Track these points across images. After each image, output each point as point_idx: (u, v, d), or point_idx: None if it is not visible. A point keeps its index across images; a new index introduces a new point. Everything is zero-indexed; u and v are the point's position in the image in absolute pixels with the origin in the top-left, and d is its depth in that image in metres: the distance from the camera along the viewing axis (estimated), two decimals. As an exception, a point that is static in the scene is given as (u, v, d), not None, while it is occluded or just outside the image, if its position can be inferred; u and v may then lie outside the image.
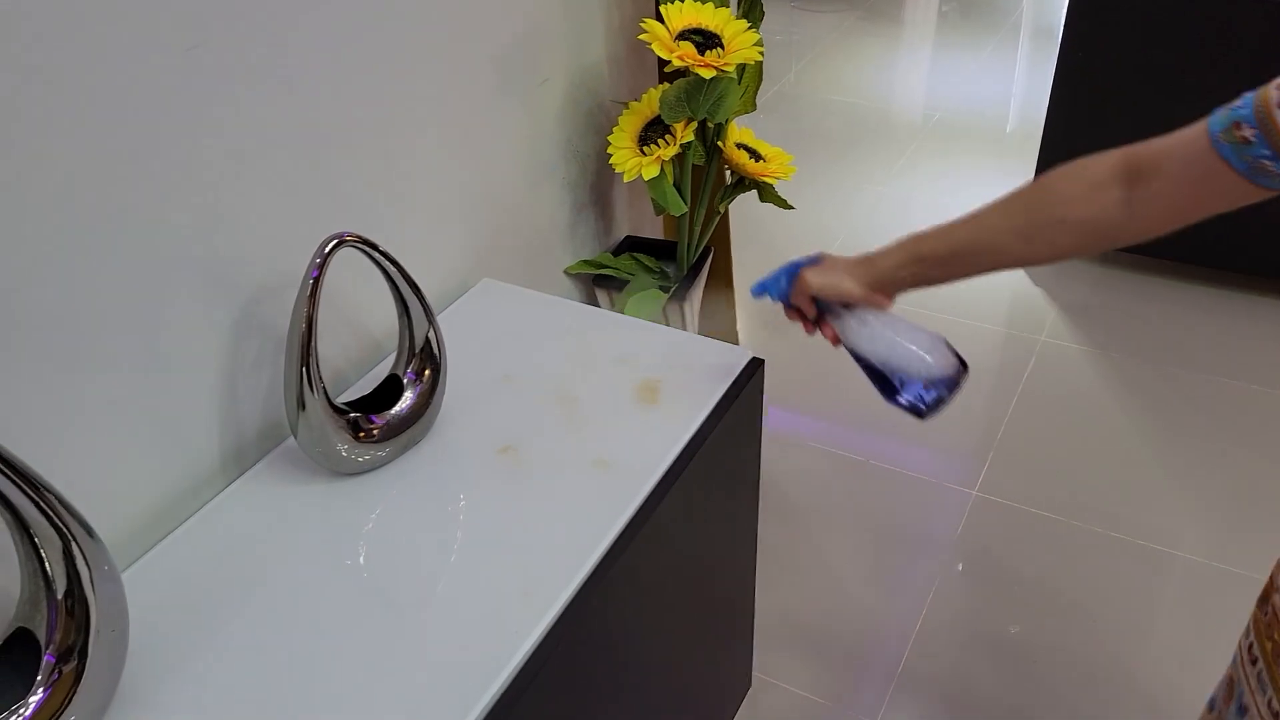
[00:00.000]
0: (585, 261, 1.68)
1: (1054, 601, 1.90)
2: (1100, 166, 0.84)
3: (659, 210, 1.62)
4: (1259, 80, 0.76)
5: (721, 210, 1.72)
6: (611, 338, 1.34)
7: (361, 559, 1.04)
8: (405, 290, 1.10)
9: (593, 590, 1.01)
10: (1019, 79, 3.99)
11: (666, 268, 1.74)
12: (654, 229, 1.88)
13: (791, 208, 1.69)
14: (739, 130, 1.67)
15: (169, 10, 0.94)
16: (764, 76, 1.62)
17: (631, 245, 1.78)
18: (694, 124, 1.51)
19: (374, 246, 1.05)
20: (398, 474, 1.14)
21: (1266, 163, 0.72)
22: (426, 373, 1.14)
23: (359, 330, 1.28)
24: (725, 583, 1.43)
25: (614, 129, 1.56)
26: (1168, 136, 0.80)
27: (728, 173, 1.69)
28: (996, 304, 2.67)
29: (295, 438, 1.10)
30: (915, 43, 4.50)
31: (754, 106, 1.61)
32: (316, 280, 1.02)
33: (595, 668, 1.08)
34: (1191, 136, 0.77)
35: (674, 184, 1.58)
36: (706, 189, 1.67)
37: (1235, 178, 0.74)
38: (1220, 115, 0.75)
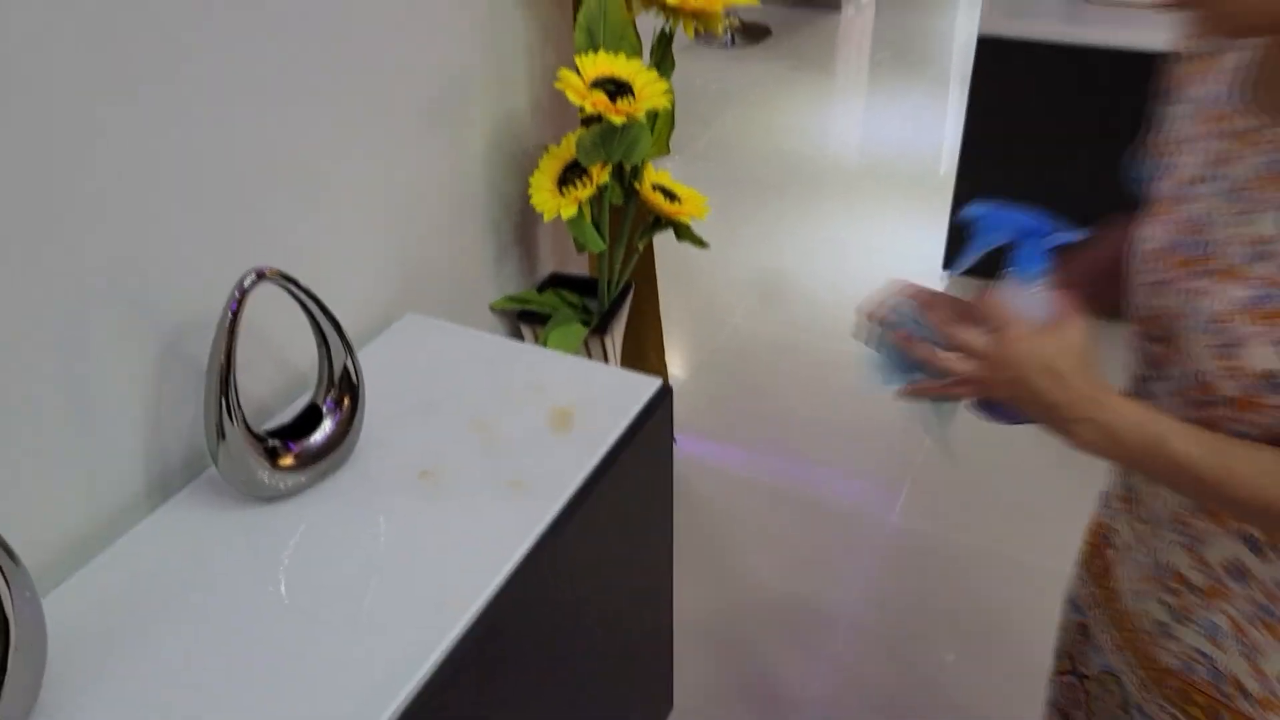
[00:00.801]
0: (509, 297, 1.75)
1: (975, 627, 1.97)
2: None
3: (580, 248, 1.70)
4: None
5: (640, 248, 1.80)
6: (529, 368, 1.40)
7: (281, 581, 1.09)
8: (323, 323, 1.16)
9: (504, 602, 1.07)
10: (949, 124, 4.15)
11: (589, 303, 1.81)
12: (579, 265, 1.96)
13: (705, 246, 1.78)
14: (656, 172, 1.75)
15: (87, 44, 1.01)
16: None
17: (556, 281, 1.85)
18: (609, 166, 1.59)
19: (293, 281, 1.11)
20: (318, 499, 1.19)
21: None
22: (345, 401, 1.20)
23: (282, 362, 1.34)
24: (641, 603, 1.49)
25: (535, 171, 1.64)
26: None
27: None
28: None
29: (216, 466, 1.15)
30: (848, 90, 4.65)
31: (667, 150, 1.69)
32: (235, 315, 1.07)
33: (506, 682, 1.13)
34: None
35: (593, 223, 1.66)
36: (625, 228, 1.75)
37: None
38: None
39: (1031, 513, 2.19)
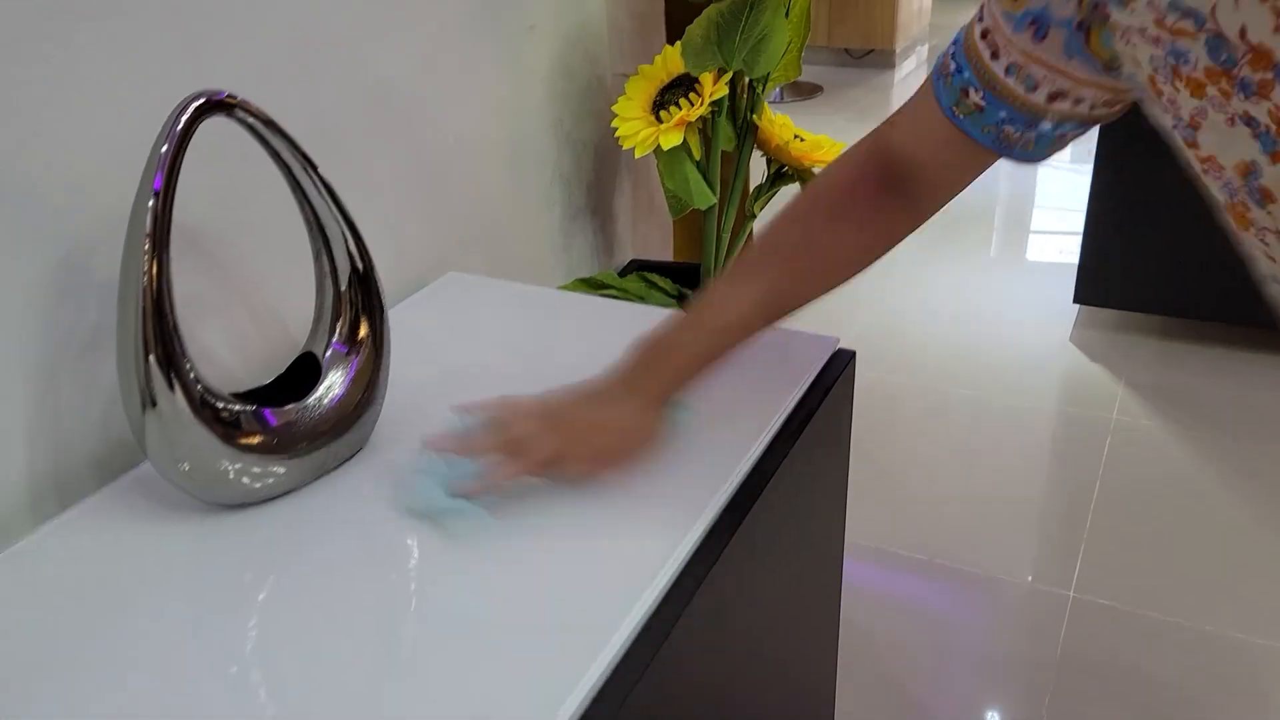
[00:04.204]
0: (582, 281, 1.29)
1: (1174, 710, 1.47)
2: (853, 188, 0.74)
3: (677, 210, 1.25)
4: None
5: (757, 212, 1.34)
6: (628, 324, 0.94)
7: (242, 639, 0.62)
8: (319, 202, 0.70)
9: (625, 679, 0.59)
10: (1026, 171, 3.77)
11: (686, 293, 1.35)
12: (664, 249, 1.51)
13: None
14: (777, 116, 1.32)
15: None
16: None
17: (638, 268, 1.40)
18: (726, 76, 1.15)
19: (263, 119, 0.66)
20: (313, 502, 0.72)
21: (1009, 129, 0.64)
22: (362, 334, 0.73)
23: (265, 314, 0.88)
24: (805, 647, 0.99)
25: (619, 99, 1.21)
26: (900, 126, 0.71)
27: (764, 165, 1.34)
28: (1055, 383, 2.30)
29: (145, 451, 0.69)
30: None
31: (798, 70, 1.26)
32: (168, 181, 0.62)
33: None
34: (928, 123, 0.67)
35: (698, 169, 1.22)
36: (738, 182, 1.31)
37: (981, 149, 0.66)
38: (943, 86, 0.65)
39: (1225, 579, 1.70)
